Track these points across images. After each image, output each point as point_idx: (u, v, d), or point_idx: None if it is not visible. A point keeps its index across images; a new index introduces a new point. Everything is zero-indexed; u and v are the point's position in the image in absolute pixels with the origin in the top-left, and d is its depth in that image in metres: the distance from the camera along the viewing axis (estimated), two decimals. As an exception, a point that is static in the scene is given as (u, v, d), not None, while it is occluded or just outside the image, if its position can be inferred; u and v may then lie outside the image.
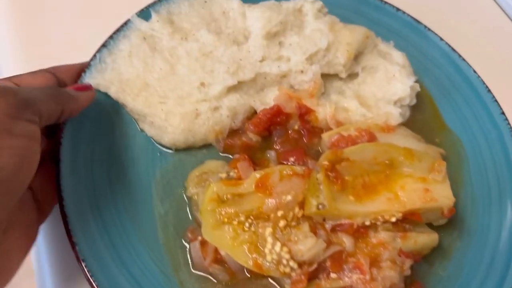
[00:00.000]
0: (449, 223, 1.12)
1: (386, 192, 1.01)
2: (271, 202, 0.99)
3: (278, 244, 0.94)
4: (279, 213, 0.97)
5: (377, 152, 1.04)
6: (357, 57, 1.26)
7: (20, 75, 0.95)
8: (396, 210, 0.99)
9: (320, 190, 0.96)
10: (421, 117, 1.28)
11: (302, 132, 1.18)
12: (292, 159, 1.13)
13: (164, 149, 1.13)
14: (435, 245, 1.04)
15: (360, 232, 0.99)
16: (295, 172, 1.03)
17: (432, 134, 1.26)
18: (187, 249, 1.02)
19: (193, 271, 1.01)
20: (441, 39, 1.34)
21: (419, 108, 1.29)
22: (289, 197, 0.98)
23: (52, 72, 1.01)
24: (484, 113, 1.26)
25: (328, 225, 0.98)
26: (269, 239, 0.95)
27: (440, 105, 1.30)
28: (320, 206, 0.95)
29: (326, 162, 0.98)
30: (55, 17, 1.34)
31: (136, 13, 1.21)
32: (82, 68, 1.10)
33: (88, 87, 1.04)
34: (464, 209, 1.15)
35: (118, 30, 1.18)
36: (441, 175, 1.03)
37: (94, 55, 1.13)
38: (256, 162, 1.13)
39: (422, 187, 1.02)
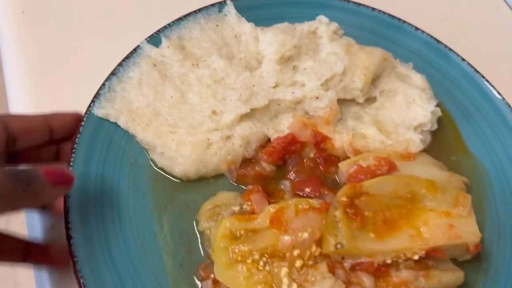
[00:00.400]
0: (474, 257, 1.06)
1: (408, 228, 0.96)
2: (286, 239, 0.94)
3: (295, 286, 0.90)
4: (295, 252, 0.92)
5: (398, 185, 0.99)
6: (374, 80, 1.21)
7: (13, 115, 0.91)
8: (418, 248, 0.94)
9: (338, 229, 0.91)
10: (442, 142, 1.23)
11: (318, 160, 1.14)
12: (307, 189, 1.08)
13: (175, 180, 1.09)
14: (460, 283, 0.98)
15: (381, 271, 0.94)
16: (311, 206, 0.99)
17: (455, 160, 1.20)
18: (200, 288, 0.98)
19: (205, 311, 0.96)
20: (463, 59, 1.28)
21: (441, 132, 1.23)
22: (305, 235, 0.94)
23: (46, 119, 0.93)
24: (510, 138, 1.20)
25: (347, 264, 0.93)
26: (285, 280, 0.90)
27: (463, 129, 1.24)
28: (339, 246, 0.90)
29: (344, 198, 0.93)
30: (63, 45, 1.31)
31: (146, 39, 1.17)
32: (78, 119, 1.03)
33: (66, 181, 0.83)
34: (489, 241, 1.09)
35: (127, 57, 1.15)
36: (466, 209, 0.97)
37: (103, 84, 1.11)
38: (270, 193, 1.09)
39: (446, 222, 0.96)
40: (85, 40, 1.30)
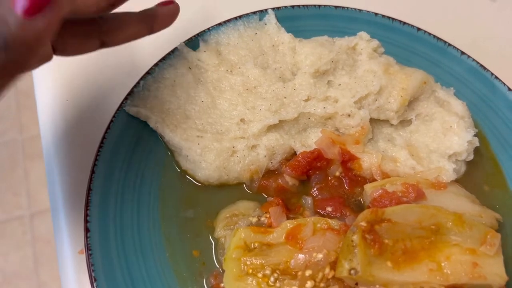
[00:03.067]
0: (499, 299, 1.00)
1: (429, 261, 0.92)
2: (300, 257, 0.92)
3: (303, 306, 0.88)
4: (308, 272, 0.90)
5: (423, 215, 0.94)
6: (411, 103, 1.17)
7: None
8: (437, 283, 0.89)
9: (354, 254, 0.88)
10: (479, 174, 1.17)
11: (344, 179, 1.11)
12: (329, 208, 1.06)
13: (198, 183, 1.09)
14: (480, 325, 0.93)
15: (395, 302, 0.90)
16: (330, 226, 0.96)
17: (490, 195, 1.14)
18: (208, 296, 0.98)
19: (212, 320, 0.96)
20: (509, 89, 1.22)
21: (478, 163, 1.17)
22: (320, 256, 0.91)
23: None
24: (551, 176, 1.13)
25: (360, 291, 0.90)
26: (294, 299, 0.89)
27: (503, 162, 1.18)
28: (353, 272, 0.87)
29: (364, 223, 0.90)
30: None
31: (184, 42, 1.19)
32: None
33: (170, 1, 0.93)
34: (518, 284, 1.03)
35: (164, 58, 1.16)
36: (493, 249, 0.92)
37: (138, 82, 1.12)
38: (290, 208, 1.07)
39: (470, 260, 0.91)
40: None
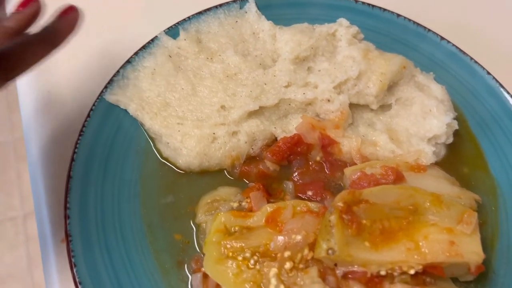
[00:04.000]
0: (478, 280, 1.01)
1: (406, 240, 0.92)
2: (279, 240, 0.93)
3: (282, 287, 0.88)
4: (286, 253, 0.91)
5: (400, 196, 0.95)
6: (391, 88, 1.18)
7: None
8: (415, 262, 0.90)
9: (331, 234, 0.89)
10: (459, 157, 1.18)
11: (324, 164, 1.12)
12: (310, 192, 1.07)
13: (179, 171, 1.10)
14: (458, 303, 0.94)
15: (374, 282, 0.91)
16: (309, 209, 0.97)
17: (470, 177, 1.15)
18: (189, 281, 0.98)
19: (193, 304, 0.96)
20: (488, 73, 1.23)
21: (458, 146, 1.18)
22: (298, 237, 0.92)
23: None
24: (531, 159, 1.14)
25: (339, 272, 0.91)
26: (273, 281, 0.89)
27: (483, 145, 1.19)
28: (330, 252, 0.88)
29: (341, 204, 0.91)
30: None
31: (164, 30, 1.19)
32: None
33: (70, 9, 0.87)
34: (498, 262, 1.04)
35: (144, 47, 1.16)
36: (470, 227, 0.93)
37: (118, 71, 1.13)
38: (272, 193, 1.08)
39: (448, 239, 0.92)
40: (103, 29, 1.31)
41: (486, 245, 1.05)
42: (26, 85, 1.20)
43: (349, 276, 0.91)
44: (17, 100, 1.21)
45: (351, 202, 0.92)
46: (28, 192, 3.07)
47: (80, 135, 1.04)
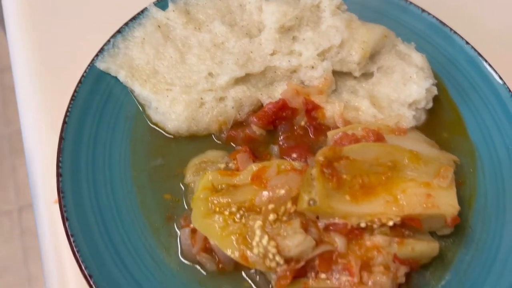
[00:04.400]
0: (456, 234, 1.06)
1: (385, 194, 0.97)
2: (264, 194, 0.97)
3: (266, 238, 0.92)
4: (270, 206, 0.95)
5: (380, 153, 0.99)
6: (373, 56, 1.22)
7: None
8: (393, 214, 0.94)
9: (312, 186, 0.93)
10: (439, 122, 1.22)
11: (309, 128, 1.16)
12: (294, 155, 1.10)
13: (168, 135, 1.13)
14: (435, 254, 0.98)
15: (354, 233, 0.95)
16: (293, 167, 1.01)
17: (449, 141, 1.20)
18: (178, 236, 1.02)
19: (181, 259, 1.00)
20: (467, 42, 1.27)
21: (438, 113, 1.23)
22: (282, 191, 0.96)
23: None
24: (507, 124, 1.18)
25: (321, 224, 0.95)
26: (258, 232, 0.93)
27: (462, 111, 1.23)
28: (311, 202, 0.92)
29: (321, 158, 0.95)
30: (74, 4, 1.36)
31: (154, 2, 1.22)
32: None
33: None
34: (475, 220, 1.09)
35: (134, 18, 1.20)
36: (446, 181, 0.97)
37: (108, 40, 1.16)
38: (258, 156, 1.11)
39: (425, 192, 0.97)
40: (95, 1, 1.35)
41: (464, 204, 1.10)
42: (19, 56, 1.23)
43: (331, 228, 0.95)
44: (13, 94, 1.23)
45: (332, 158, 0.97)
46: (23, 185, 3.09)
47: (72, 99, 1.07)
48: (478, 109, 1.23)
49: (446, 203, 0.96)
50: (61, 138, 1.02)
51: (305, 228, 0.95)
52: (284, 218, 0.96)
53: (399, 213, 0.95)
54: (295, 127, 1.16)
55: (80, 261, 0.90)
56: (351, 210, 0.94)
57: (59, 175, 0.98)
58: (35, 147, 1.11)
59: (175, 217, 1.04)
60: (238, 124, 1.15)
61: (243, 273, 1.00)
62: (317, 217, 0.96)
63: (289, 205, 0.96)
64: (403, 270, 0.94)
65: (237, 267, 0.99)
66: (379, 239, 0.95)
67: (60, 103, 1.12)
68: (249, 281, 0.99)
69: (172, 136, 1.13)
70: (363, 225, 0.95)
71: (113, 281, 0.91)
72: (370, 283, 0.92)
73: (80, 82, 1.10)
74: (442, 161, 1.09)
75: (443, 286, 1.01)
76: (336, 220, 0.95)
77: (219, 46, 1.18)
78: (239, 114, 1.15)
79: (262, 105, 1.17)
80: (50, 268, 1.00)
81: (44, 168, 1.08)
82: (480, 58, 1.25)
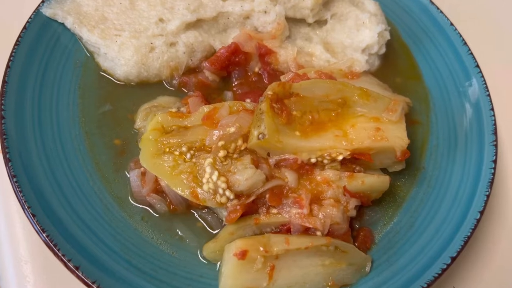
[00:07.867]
0: (409, 173, 1.07)
1: (335, 129, 0.97)
2: (215, 133, 0.95)
3: (216, 174, 0.91)
4: (220, 143, 0.93)
5: (329, 90, 0.99)
6: (327, 3, 1.22)
7: None
8: (343, 148, 0.94)
9: (262, 120, 0.92)
10: (392, 69, 1.23)
11: (263, 74, 1.15)
12: (248, 100, 1.09)
13: (118, 82, 1.11)
14: (385, 188, 0.99)
15: (305, 169, 0.95)
16: (244, 107, 1.00)
17: (403, 86, 1.21)
18: (128, 179, 1.00)
19: (132, 202, 0.98)
20: (420, -10, 1.28)
21: (392, 59, 1.24)
22: (232, 129, 0.94)
23: None
24: (458, 66, 1.20)
25: (272, 161, 0.94)
26: (208, 169, 0.92)
27: (416, 57, 1.25)
28: (261, 136, 0.91)
29: (270, 92, 0.94)
30: None
31: (102, -51, 1.19)
32: None
33: None
34: (428, 159, 1.10)
35: (81, -36, 1.16)
36: (395, 114, 0.97)
37: (55, -14, 1.13)
38: (211, 102, 1.10)
39: (374, 126, 0.97)
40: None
41: (418, 144, 1.12)
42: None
43: (282, 164, 0.95)
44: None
45: (281, 94, 0.96)
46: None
47: (16, 44, 1.04)
48: (432, 55, 1.24)
49: (395, 135, 0.97)
50: (4, 82, 0.99)
51: (256, 165, 0.94)
52: (235, 156, 0.95)
53: (348, 147, 0.95)
54: (249, 73, 1.15)
55: (22, 202, 0.87)
56: (301, 145, 0.94)
57: (1, 117, 0.95)
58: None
59: (125, 161, 1.02)
60: (191, 71, 1.14)
61: (195, 213, 0.99)
62: (268, 154, 0.95)
63: (239, 142, 0.94)
64: (353, 203, 0.95)
65: (189, 208, 0.98)
66: (329, 173, 0.95)
67: (5, 49, 1.08)
68: (202, 221, 0.98)
69: (122, 83, 1.11)
70: (313, 160, 0.94)
71: (58, 221, 0.89)
72: (320, 215, 0.92)
73: (24, 27, 1.06)
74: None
75: (395, 223, 1.02)
76: (287, 156, 0.94)
77: (170, -8, 1.16)
78: (191, 60, 1.13)
79: (214, 52, 1.15)
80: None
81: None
82: (433, 5, 1.27)
